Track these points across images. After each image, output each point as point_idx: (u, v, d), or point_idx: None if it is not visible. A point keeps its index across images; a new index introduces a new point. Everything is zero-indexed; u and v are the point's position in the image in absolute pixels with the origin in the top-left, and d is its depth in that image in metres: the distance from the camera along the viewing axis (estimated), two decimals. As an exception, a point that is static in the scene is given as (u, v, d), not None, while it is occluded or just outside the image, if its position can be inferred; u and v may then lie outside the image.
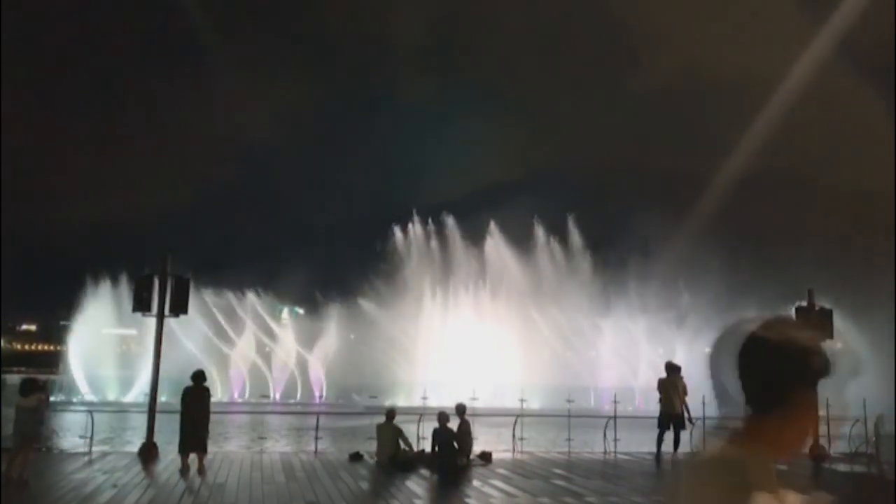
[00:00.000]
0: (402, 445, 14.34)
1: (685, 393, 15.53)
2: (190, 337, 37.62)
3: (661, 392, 15.65)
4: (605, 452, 16.67)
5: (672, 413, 15.40)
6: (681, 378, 15.61)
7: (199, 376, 13.03)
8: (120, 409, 30.24)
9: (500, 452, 15.89)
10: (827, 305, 18.22)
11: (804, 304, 17.94)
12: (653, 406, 16.84)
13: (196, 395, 12.86)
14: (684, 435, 15.65)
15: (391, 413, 14.91)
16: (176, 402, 13.55)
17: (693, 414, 15.74)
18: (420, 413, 16.47)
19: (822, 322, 17.79)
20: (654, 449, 15.93)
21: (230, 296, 45.74)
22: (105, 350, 43.23)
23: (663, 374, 15.87)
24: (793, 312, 17.94)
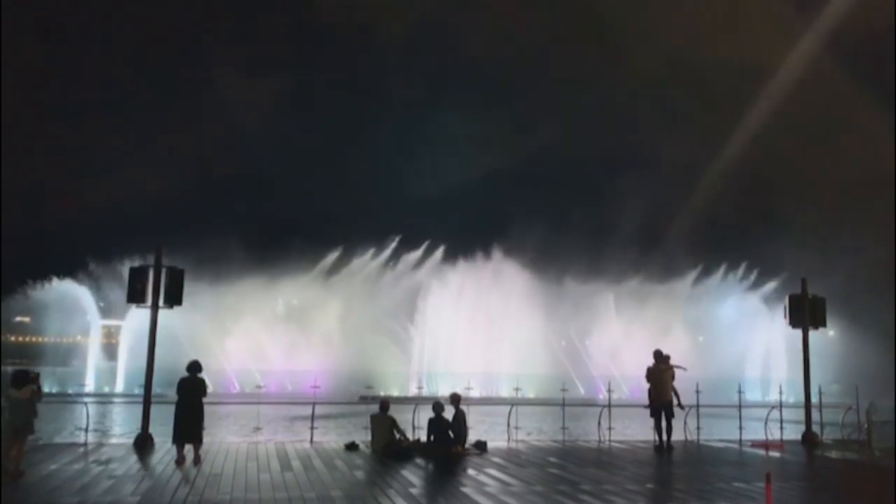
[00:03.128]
0: (397, 435, 14.40)
1: (673, 380, 15.61)
2: (185, 327, 37.61)
3: (649, 381, 15.71)
4: (599, 441, 16.77)
5: (662, 401, 15.47)
6: (669, 366, 15.68)
7: (194, 367, 13.00)
8: (112, 401, 30.30)
9: (495, 441, 15.96)
10: (820, 294, 18.29)
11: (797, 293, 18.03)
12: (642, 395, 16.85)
13: (191, 385, 12.84)
14: (677, 422, 15.75)
15: (385, 404, 14.96)
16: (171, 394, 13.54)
17: (685, 401, 15.85)
18: (415, 402, 16.52)
19: (814, 310, 17.87)
20: (647, 437, 15.99)
21: (225, 285, 45.77)
22: (99, 341, 43.26)
23: (651, 363, 15.92)
24: (786, 301, 18.05)
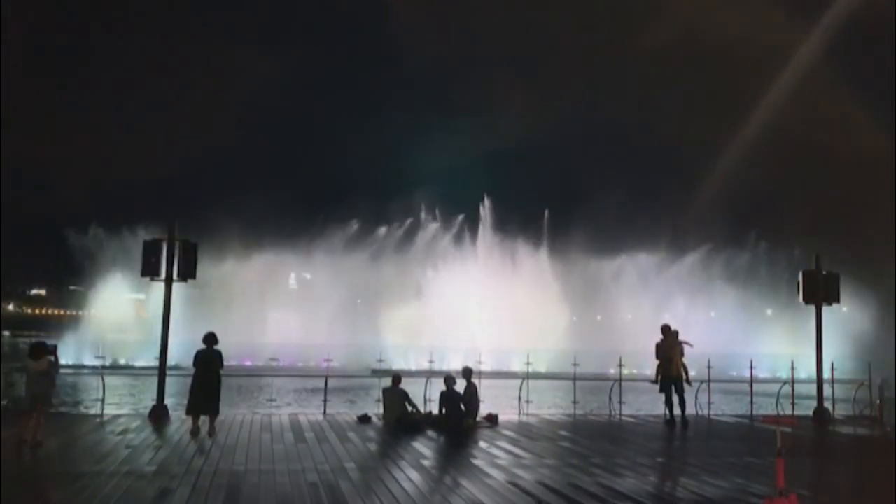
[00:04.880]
0: (409, 408, 14.52)
1: (682, 355, 15.52)
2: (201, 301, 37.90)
3: (659, 357, 15.61)
4: (610, 415, 16.83)
5: (672, 376, 15.41)
6: (678, 341, 15.58)
7: (210, 339, 13.09)
8: (131, 373, 30.66)
9: (507, 415, 16.06)
10: (833, 270, 18.15)
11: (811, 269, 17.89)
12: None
13: (208, 358, 12.95)
14: (687, 398, 15.73)
15: (397, 377, 15.06)
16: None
17: (694, 376, 15.81)
18: (427, 376, 16.63)
19: (828, 287, 17.74)
20: (658, 412, 15.99)
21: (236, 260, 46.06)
22: (115, 314, 43.70)
23: (660, 338, 15.84)
24: (800, 277, 17.92)
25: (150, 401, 16.13)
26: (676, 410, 15.38)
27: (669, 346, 15.49)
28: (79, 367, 29.79)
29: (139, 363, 36.77)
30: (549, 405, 20.55)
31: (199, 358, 12.94)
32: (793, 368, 18.24)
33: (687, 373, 15.51)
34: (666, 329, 15.72)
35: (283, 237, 47.48)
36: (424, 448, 12.07)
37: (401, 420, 14.18)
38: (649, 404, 19.47)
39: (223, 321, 41.64)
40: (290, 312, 47.29)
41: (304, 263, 49.24)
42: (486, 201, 48.88)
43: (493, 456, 11.28)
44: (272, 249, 47.43)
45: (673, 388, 15.36)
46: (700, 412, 17.01)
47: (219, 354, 13.05)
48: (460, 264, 46.98)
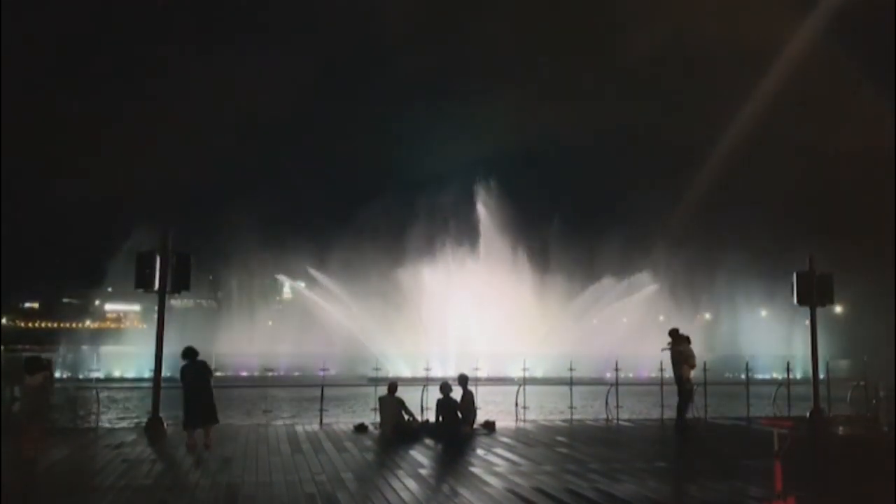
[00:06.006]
0: (406, 416, 14.48)
1: (693, 364, 15.38)
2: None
3: (674, 361, 15.48)
4: (607, 419, 16.82)
5: (678, 378, 15.32)
6: (688, 346, 15.49)
7: (191, 352, 12.98)
8: (125, 386, 30.54)
9: (504, 421, 16.02)
10: (827, 271, 18.19)
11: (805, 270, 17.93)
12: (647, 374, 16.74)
13: (196, 370, 12.88)
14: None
15: (393, 386, 15.01)
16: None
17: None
18: (424, 383, 16.59)
19: (822, 287, 17.78)
20: (655, 416, 15.96)
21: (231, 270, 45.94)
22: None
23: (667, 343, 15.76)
24: (794, 279, 17.95)
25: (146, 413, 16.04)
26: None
27: (679, 350, 15.39)
28: (74, 381, 29.68)
29: (130, 374, 36.73)
30: (547, 410, 20.55)
31: (187, 372, 12.86)
32: (788, 370, 18.29)
33: (690, 383, 15.43)
34: (674, 333, 15.63)
35: (289, 246, 47.37)
36: (421, 456, 12.04)
37: (397, 428, 14.14)
38: (646, 408, 19.48)
39: (237, 333, 41.79)
40: (291, 321, 47.10)
41: (318, 268, 48.87)
42: (483, 208, 48.88)
43: (490, 463, 11.26)
44: (279, 258, 47.32)
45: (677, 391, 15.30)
46: (697, 415, 17.00)
47: (204, 365, 13.01)
48: (460, 266, 46.95)
